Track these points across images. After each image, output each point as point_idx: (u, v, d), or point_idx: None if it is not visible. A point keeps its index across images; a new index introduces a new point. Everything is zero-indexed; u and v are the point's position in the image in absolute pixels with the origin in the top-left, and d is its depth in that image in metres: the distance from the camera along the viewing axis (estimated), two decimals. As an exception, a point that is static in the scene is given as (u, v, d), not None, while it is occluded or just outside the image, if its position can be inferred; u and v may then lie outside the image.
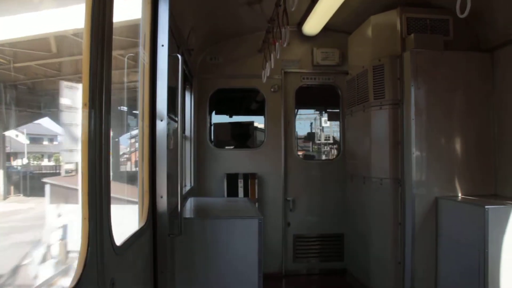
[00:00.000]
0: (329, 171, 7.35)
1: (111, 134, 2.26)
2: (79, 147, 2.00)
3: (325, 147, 18.63)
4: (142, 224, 3.08)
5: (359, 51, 6.32)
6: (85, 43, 2.02)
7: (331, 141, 17.91)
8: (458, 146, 5.28)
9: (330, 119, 9.81)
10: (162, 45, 3.34)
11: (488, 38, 5.42)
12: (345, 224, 6.94)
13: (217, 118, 9.14)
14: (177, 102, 3.73)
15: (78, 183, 2.03)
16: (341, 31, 7.03)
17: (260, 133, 8.73)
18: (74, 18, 2.40)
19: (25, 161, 3.27)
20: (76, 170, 2.38)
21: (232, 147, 8.44)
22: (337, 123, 8.24)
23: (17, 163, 3.24)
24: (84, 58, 2.02)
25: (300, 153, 11.16)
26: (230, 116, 9.75)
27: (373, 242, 5.74)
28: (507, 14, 5.00)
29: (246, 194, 6.97)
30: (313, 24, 6.65)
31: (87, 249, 1.95)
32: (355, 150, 6.49)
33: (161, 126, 3.33)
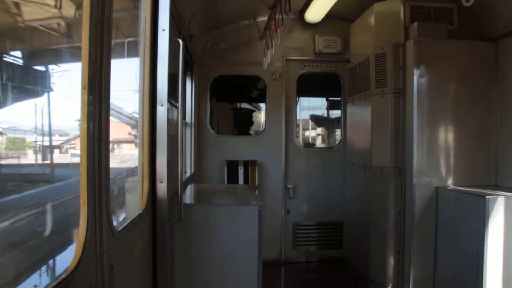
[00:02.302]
0: (330, 159, 7.35)
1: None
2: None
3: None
4: (142, 209, 3.08)
5: (361, 39, 6.26)
6: (84, 25, 1.99)
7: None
8: (459, 136, 5.25)
9: (331, 107, 9.76)
10: (163, 30, 3.30)
11: (493, 27, 5.36)
12: (345, 212, 6.96)
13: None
14: (177, 87, 3.70)
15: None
16: (343, 18, 6.97)
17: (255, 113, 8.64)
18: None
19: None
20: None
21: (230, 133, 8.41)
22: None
23: None
24: (84, 42, 1.99)
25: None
26: (231, 103, 9.72)
27: (373, 230, 5.75)
28: (513, 3, 4.95)
29: (246, 181, 6.98)
30: (316, 11, 6.59)
31: (86, 233, 1.94)
32: (356, 138, 6.47)
33: (162, 111, 3.31)
